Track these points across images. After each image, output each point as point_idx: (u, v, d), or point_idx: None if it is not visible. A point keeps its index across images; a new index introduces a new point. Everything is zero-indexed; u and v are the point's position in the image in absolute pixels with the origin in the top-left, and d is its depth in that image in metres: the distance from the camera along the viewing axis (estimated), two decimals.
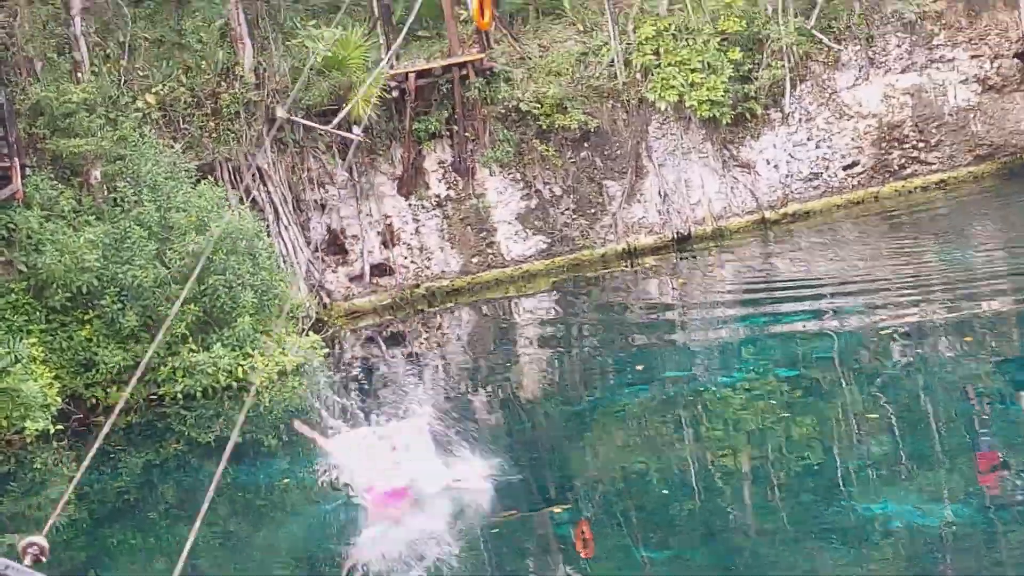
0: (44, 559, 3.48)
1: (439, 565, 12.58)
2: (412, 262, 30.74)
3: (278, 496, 15.84)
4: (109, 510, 17.01)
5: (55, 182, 23.92)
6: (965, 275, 23.75)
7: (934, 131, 32.72)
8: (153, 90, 27.83)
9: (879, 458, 14.20)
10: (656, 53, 31.13)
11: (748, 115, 31.64)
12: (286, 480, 16.74)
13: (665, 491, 13.70)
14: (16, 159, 22.71)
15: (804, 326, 21.94)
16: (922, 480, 13.43)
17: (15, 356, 21.22)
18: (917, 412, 16.37)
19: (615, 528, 12.69)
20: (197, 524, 6.03)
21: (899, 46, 32.80)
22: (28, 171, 23.49)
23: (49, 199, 23.48)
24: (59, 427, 21.52)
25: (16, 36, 24.75)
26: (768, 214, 31.95)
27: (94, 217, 23.85)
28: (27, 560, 3.46)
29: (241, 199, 27.22)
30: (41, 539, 3.44)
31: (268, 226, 27.94)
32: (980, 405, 16.22)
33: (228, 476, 18.43)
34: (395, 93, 29.81)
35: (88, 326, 22.95)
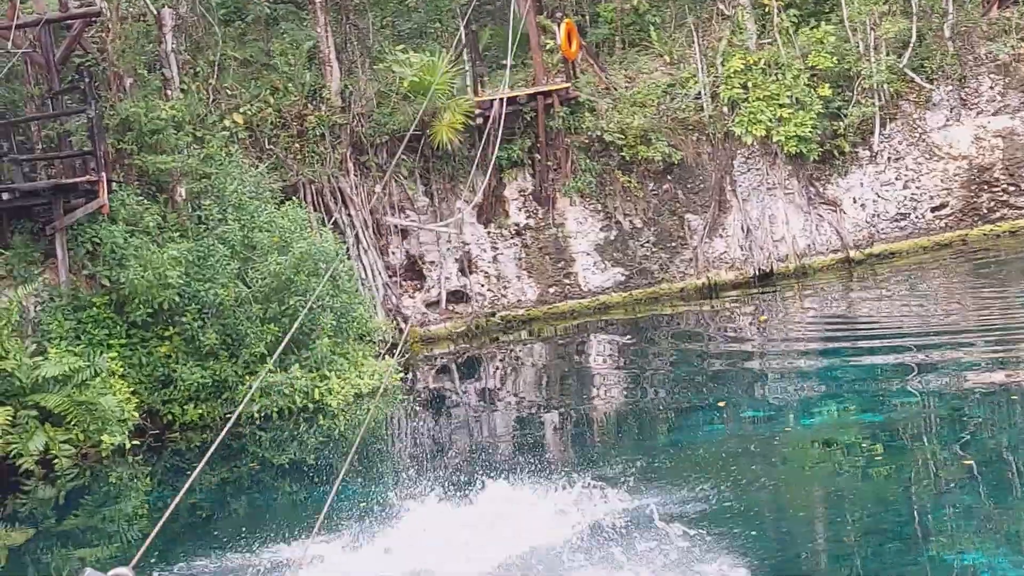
0: None
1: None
2: (489, 290, 30.67)
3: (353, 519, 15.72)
4: (182, 526, 16.97)
5: (141, 198, 24.08)
6: None
7: None
8: (240, 110, 28.07)
9: (965, 508, 13.82)
10: (744, 87, 30.92)
11: (836, 152, 31.32)
12: (367, 504, 16.61)
13: (741, 536, 13.41)
14: (103, 173, 22.90)
15: (887, 371, 21.52)
16: (1009, 532, 13.05)
17: (95, 369, 21.34)
18: (1004, 462, 15.94)
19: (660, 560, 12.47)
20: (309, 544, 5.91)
21: (992, 87, 32.33)
22: (114, 186, 23.68)
23: (134, 214, 23.64)
24: (135, 442, 21.60)
25: (108, 51, 25.01)
26: (853, 253, 31.55)
27: (178, 234, 23.98)
28: None
29: (323, 221, 27.30)
30: (129, 571, 3.31)
31: (348, 249, 28.00)
32: None
33: (302, 496, 18.39)
34: (479, 120, 29.83)
35: (168, 342, 23.04)
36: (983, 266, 30.00)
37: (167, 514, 6.04)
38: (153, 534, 5.53)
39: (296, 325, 20.51)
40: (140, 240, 23.21)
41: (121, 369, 22.21)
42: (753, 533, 13.32)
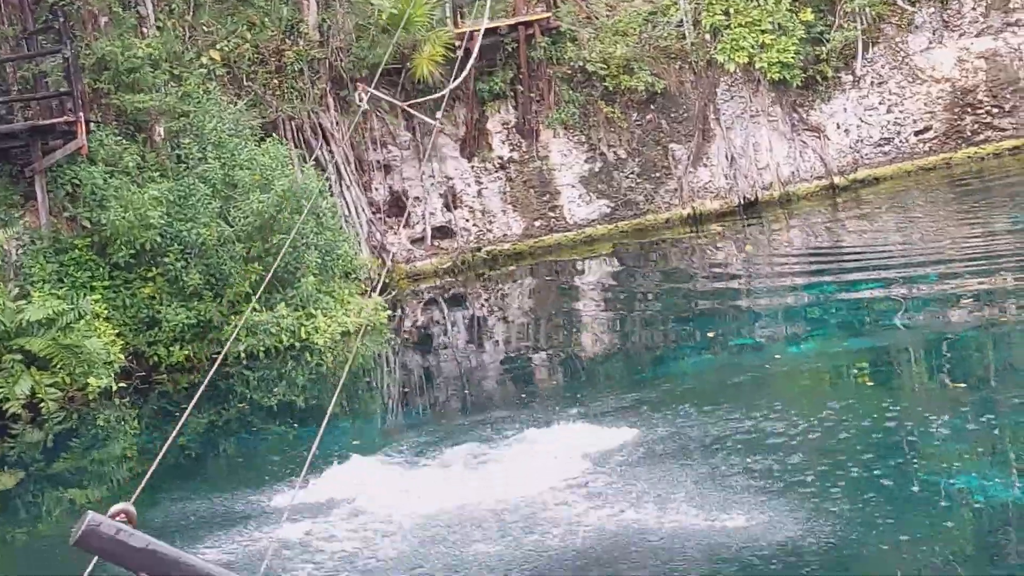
0: (132, 527, 3.24)
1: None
2: (474, 225, 30.51)
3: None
4: (172, 467, 16.91)
5: (119, 138, 23.84)
6: None
7: (1008, 96, 32.04)
8: (217, 46, 27.69)
9: (955, 432, 13.83)
10: (726, 14, 30.65)
11: (819, 78, 31.12)
12: (356, 441, 16.58)
13: (730, 460, 13.41)
14: (81, 114, 22.63)
15: (873, 295, 21.51)
16: (1002, 452, 13.07)
17: (79, 312, 21.19)
18: (992, 387, 15.96)
19: (671, 498, 12.44)
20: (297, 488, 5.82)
21: (974, 9, 32.11)
22: (92, 127, 23.42)
23: (113, 155, 23.41)
24: (121, 384, 21.50)
25: None
26: (837, 180, 31.44)
27: (158, 174, 23.77)
28: None
29: (304, 158, 27.06)
30: (130, 506, 3.20)
31: (330, 186, 27.78)
32: None
33: (291, 436, 18.36)
34: (459, 52, 29.50)
35: (151, 284, 22.87)
36: (967, 190, 29.95)
37: (162, 452, 5.94)
38: (150, 472, 5.42)
39: (278, 262, 20.39)
40: (120, 181, 22.98)
41: (105, 311, 22.06)
42: (746, 462, 13.31)
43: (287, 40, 28.75)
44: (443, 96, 26.81)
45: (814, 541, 11.00)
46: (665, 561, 11.19)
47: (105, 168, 23.17)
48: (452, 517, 12.84)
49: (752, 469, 13.00)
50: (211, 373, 9.16)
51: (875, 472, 12.77)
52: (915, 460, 12.95)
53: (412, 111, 28.92)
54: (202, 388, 7.82)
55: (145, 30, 25.83)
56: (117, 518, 3.22)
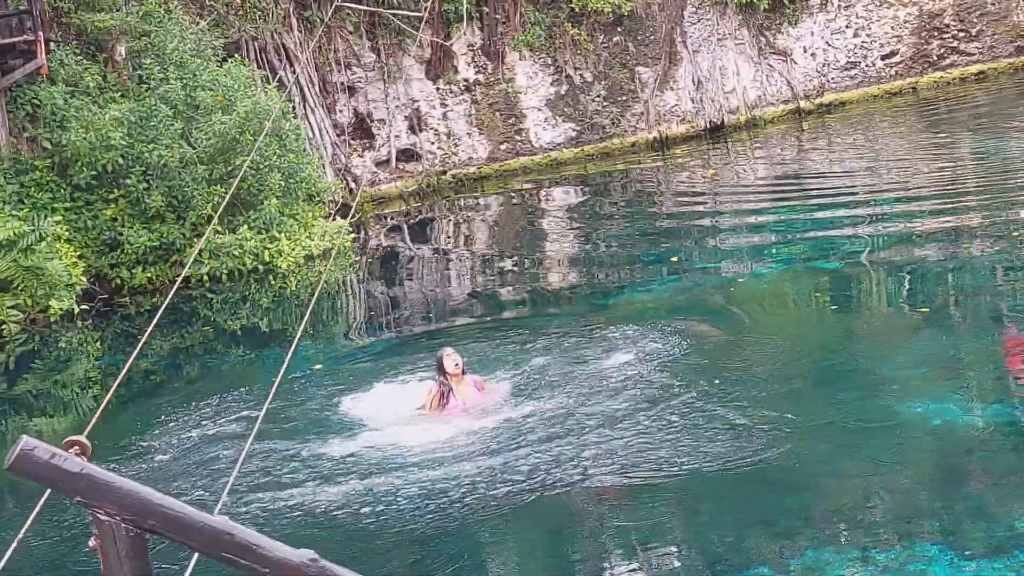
0: (85, 459, 3.22)
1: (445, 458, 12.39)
2: (439, 148, 30.35)
3: (304, 384, 15.66)
4: (134, 392, 16.87)
5: (80, 58, 23.53)
6: (1001, 169, 23.31)
7: (975, 20, 31.99)
8: None
9: (917, 357, 13.92)
10: None
11: (786, 1, 30.94)
12: (318, 365, 16.57)
13: (698, 384, 13.44)
14: (40, 33, 22.27)
15: (837, 220, 21.57)
16: (960, 379, 13.17)
17: (40, 234, 21.00)
18: (952, 310, 16.07)
19: (635, 423, 12.48)
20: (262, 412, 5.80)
21: None
22: (52, 46, 23.08)
23: (74, 75, 23.11)
24: (83, 307, 21.38)
25: None
26: (803, 104, 31.39)
27: (119, 94, 23.50)
28: None
29: (267, 79, 26.78)
30: (83, 439, 3.17)
31: (294, 108, 27.54)
32: (1019, 301, 15.93)
33: (257, 360, 18.32)
34: None
35: (113, 205, 22.70)
36: (933, 115, 29.98)
37: (117, 382, 5.90)
38: (104, 402, 5.39)
39: (240, 184, 20.24)
40: (81, 101, 22.71)
41: (67, 233, 21.88)
42: (704, 384, 13.35)
43: None
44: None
45: (773, 466, 11.07)
46: (619, 487, 11.23)
47: (65, 88, 22.89)
48: (412, 440, 12.87)
49: (710, 394, 13.04)
50: (171, 295, 9.08)
51: (835, 397, 12.86)
52: (877, 386, 13.02)
53: (390, 15, 28.60)
54: (162, 310, 7.74)
55: None
56: (71, 450, 3.19)
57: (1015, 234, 18.23)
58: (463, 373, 13.61)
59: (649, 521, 10.57)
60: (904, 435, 11.65)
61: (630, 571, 9.84)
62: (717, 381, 13.45)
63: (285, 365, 6.78)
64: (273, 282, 22.44)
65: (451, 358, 13.56)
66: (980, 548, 9.21)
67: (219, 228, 22.52)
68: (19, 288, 20.68)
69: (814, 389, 13.19)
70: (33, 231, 20.97)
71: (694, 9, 30.94)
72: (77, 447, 3.24)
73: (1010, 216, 19.52)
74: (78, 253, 21.93)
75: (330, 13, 28.30)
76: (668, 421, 12.36)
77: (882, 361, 13.85)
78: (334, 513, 11.25)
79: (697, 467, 11.21)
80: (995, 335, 14.54)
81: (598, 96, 30.83)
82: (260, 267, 22.67)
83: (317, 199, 25.60)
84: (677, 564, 9.82)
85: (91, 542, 3.00)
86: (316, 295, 20.62)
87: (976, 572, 8.90)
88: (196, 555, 3.17)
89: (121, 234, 22.53)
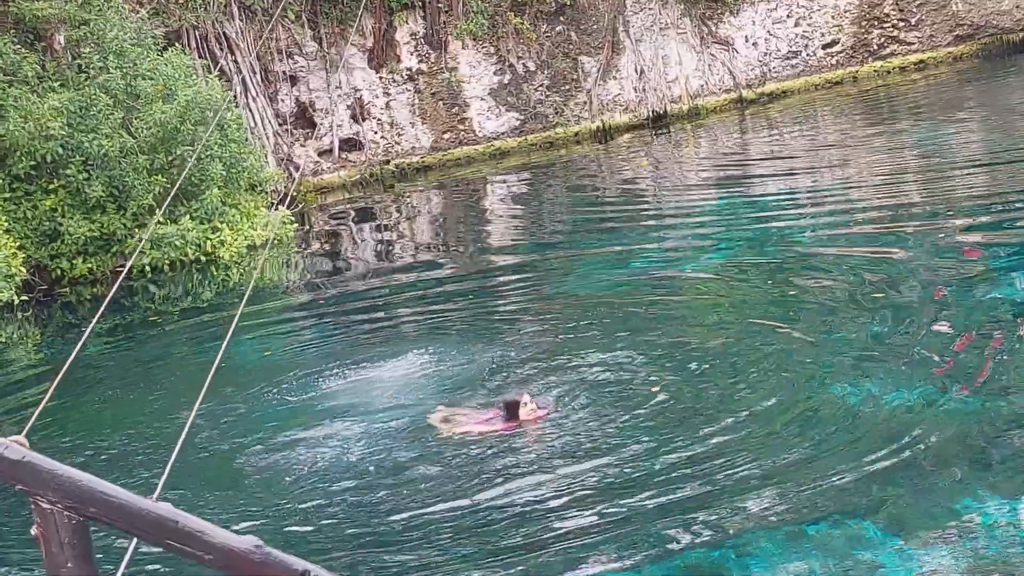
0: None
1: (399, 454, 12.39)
2: (382, 137, 30.29)
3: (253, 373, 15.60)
4: (77, 385, 16.71)
5: (18, 47, 23.28)
6: (939, 157, 23.56)
7: (915, 10, 32.31)
8: None
9: (859, 342, 14.03)
10: None
11: None
12: (267, 353, 16.51)
13: (639, 375, 13.50)
14: None
15: (779, 210, 21.71)
16: (904, 362, 13.29)
17: None
18: (896, 298, 16.20)
19: (583, 417, 12.50)
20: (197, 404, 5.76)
21: None
22: None
23: (12, 64, 22.87)
24: (24, 298, 21.17)
25: None
26: (745, 93, 31.58)
27: (58, 84, 23.28)
28: None
29: (208, 68, 26.60)
30: (22, 438, 3.16)
31: (236, 97, 27.38)
32: (957, 288, 16.08)
33: (200, 353, 18.20)
34: None
35: (53, 196, 22.49)
36: (873, 104, 30.24)
37: (59, 378, 5.85)
38: (45, 400, 5.34)
39: (183, 174, 20.11)
40: (19, 90, 22.48)
41: (6, 224, 21.68)
42: (652, 378, 13.41)
43: None
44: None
45: (722, 453, 11.14)
46: (566, 482, 11.26)
47: (3, 77, 22.65)
48: (356, 422, 12.86)
49: (655, 381, 13.11)
50: (116, 286, 9.01)
51: (781, 380, 12.94)
52: (822, 373, 13.12)
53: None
54: (107, 301, 7.69)
55: None
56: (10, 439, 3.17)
57: (952, 221, 18.46)
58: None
59: (592, 510, 10.60)
60: (848, 422, 11.75)
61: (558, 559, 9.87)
62: (655, 370, 13.50)
63: (220, 355, 6.74)
64: (215, 272, 22.31)
65: (528, 407, 12.35)
66: (925, 534, 9.31)
67: (160, 218, 22.38)
68: None
69: (752, 377, 13.26)
70: None
71: None
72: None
73: (947, 203, 19.75)
74: (18, 244, 21.73)
75: (271, 1, 28.16)
76: (600, 413, 12.40)
77: (824, 348, 13.96)
78: (277, 503, 11.22)
79: (633, 460, 11.25)
80: (937, 320, 14.69)
81: (541, 86, 30.86)
82: (202, 257, 22.53)
83: (259, 189, 25.50)
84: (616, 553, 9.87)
85: (32, 530, 2.99)
86: (252, 284, 20.51)
87: (921, 557, 9.00)
88: (135, 542, 3.16)
89: (61, 224, 22.33)
